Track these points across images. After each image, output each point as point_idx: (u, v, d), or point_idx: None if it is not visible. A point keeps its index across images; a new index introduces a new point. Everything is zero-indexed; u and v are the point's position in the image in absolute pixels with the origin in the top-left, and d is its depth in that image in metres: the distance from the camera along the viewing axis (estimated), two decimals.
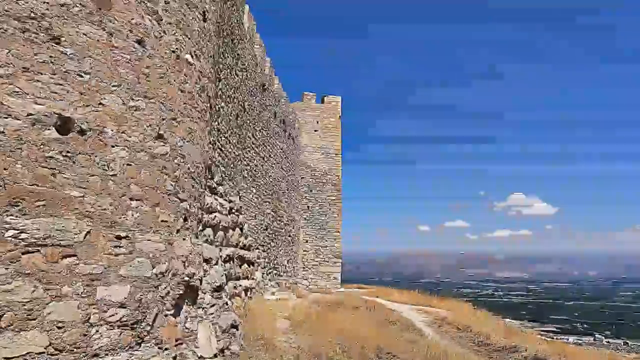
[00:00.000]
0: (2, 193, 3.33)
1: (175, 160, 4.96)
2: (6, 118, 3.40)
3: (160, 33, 4.82)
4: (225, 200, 8.81)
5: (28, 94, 3.54)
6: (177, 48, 5.09)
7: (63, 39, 3.78)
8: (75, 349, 3.55)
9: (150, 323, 4.28)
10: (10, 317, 3.26)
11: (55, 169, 3.63)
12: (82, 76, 3.89)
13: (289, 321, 8.45)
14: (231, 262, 8.97)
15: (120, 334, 3.93)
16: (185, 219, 5.14)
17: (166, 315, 4.56)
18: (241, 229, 9.93)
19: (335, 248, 22.02)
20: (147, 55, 4.62)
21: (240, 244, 9.81)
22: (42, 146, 3.57)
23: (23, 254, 3.39)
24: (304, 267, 21.32)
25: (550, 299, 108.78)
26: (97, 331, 3.74)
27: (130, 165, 4.27)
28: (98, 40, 4.07)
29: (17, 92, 3.48)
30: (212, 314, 5.72)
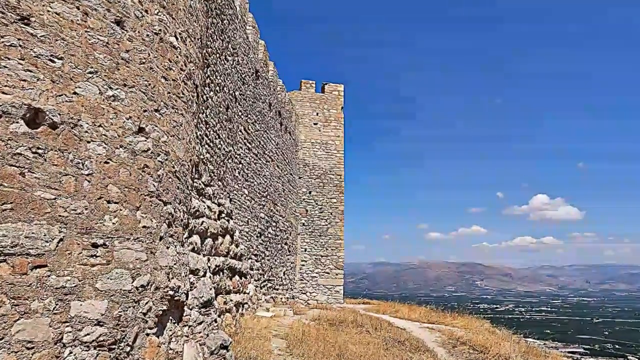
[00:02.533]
0: None
1: (159, 158, 4.95)
2: None
3: (141, 12, 4.80)
4: (214, 203, 8.80)
5: None
6: (160, 29, 5.07)
7: (33, 19, 3.76)
8: None
9: (130, 343, 4.26)
10: None
11: (24, 167, 3.60)
12: (54, 61, 3.88)
13: (285, 341, 8.45)
14: (221, 273, 8.96)
15: (97, 355, 3.91)
16: (169, 225, 5.13)
17: (148, 335, 4.54)
18: (232, 236, 9.92)
19: (336, 258, 22.00)
20: (127, 37, 4.61)
21: (231, 253, 9.80)
22: (9, 141, 3.55)
23: None
24: (302, 280, 21.31)
25: (577, 315, 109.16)
26: (70, 352, 3.72)
27: (107, 163, 4.26)
28: (72, 20, 4.05)
29: None
30: (199, 332, 5.70)
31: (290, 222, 19.72)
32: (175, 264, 5.14)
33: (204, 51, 7.36)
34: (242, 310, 10.24)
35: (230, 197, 11.17)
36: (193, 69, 6.02)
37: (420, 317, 15.43)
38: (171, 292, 4.97)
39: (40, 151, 3.72)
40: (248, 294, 11.05)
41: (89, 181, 4.06)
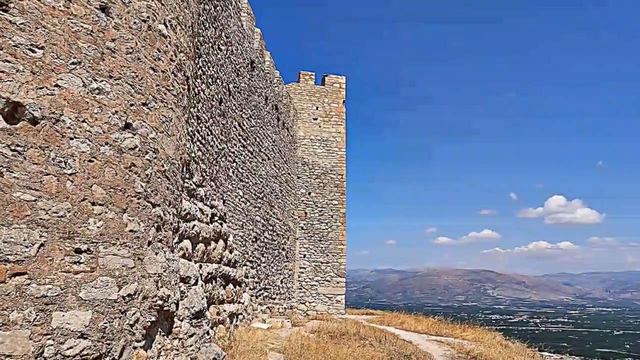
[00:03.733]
0: None
1: (147, 156, 4.94)
2: None
3: None
4: (207, 205, 8.79)
5: None
6: (148, 16, 5.07)
7: (12, 5, 3.74)
8: None
9: (116, 357, 4.25)
10: None
11: (2, 166, 3.59)
12: (34, 51, 3.86)
13: (283, 355, 8.45)
14: (213, 281, 8.96)
15: None
16: (158, 229, 5.12)
17: (135, 348, 4.53)
18: (225, 241, 9.92)
19: (338, 264, 22.00)
20: (113, 25, 4.60)
21: (225, 259, 9.79)
22: None
23: None
24: (300, 288, 21.32)
25: (596, 327, 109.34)
26: None
27: (92, 161, 4.25)
28: (54, 7, 4.04)
29: None
30: (190, 346, 5.69)
31: (288, 225, 19.72)
32: (164, 272, 5.13)
33: (196, 40, 7.35)
34: (236, 321, 10.23)
35: (224, 198, 11.16)
36: (184, 60, 6.01)
37: (427, 329, 15.43)
38: (160, 302, 4.96)
39: (19, 149, 3.71)
40: (243, 303, 11.04)
41: (71, 181, 4.05)
